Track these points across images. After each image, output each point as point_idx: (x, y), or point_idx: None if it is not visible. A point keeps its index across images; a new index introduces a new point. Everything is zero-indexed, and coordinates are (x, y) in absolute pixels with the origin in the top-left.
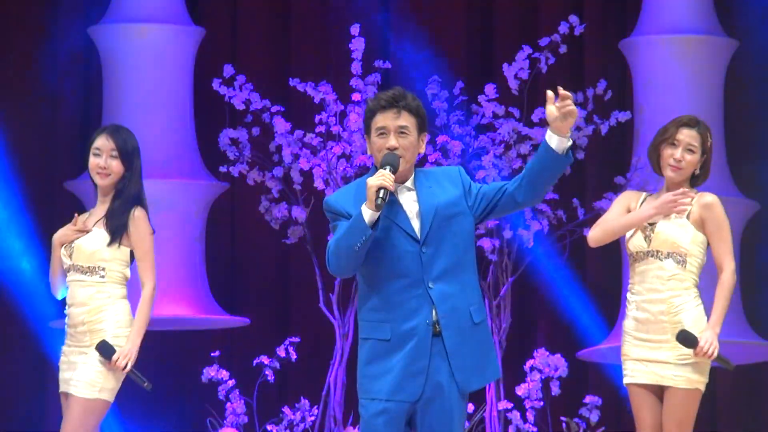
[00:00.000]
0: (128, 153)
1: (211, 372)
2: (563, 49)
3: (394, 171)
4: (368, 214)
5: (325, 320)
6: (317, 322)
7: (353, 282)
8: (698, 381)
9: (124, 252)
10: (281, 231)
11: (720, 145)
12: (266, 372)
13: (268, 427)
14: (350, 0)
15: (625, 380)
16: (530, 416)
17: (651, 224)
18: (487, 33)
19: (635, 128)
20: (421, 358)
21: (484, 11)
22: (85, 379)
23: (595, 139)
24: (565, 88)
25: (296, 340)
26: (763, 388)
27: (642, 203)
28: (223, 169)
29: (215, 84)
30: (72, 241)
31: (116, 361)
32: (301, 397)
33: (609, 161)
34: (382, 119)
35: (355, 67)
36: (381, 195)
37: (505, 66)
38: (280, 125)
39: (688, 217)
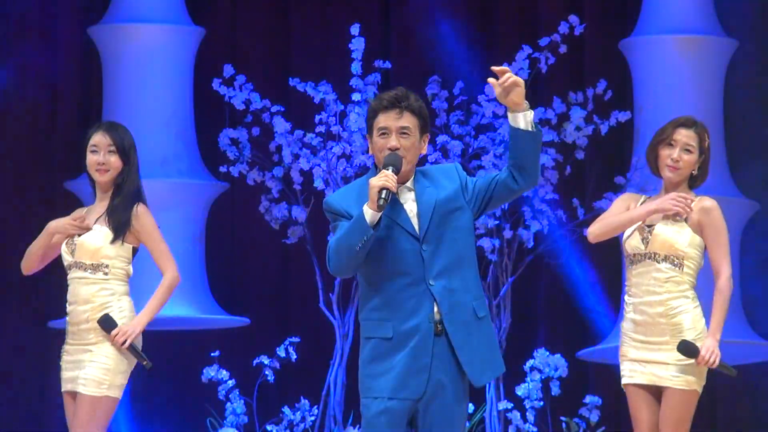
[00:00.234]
0: (125, 148)
1: (211, 372)
2: (563, 49)
3: (396, 172)
4: (370, 214)
5: (325, 320)
6: (317, 322)
7: (353, 282)
8: (696, 383)
9: (126, 249)
10: (281, 231)
11: (720, 145)
12: (266, 372)
13: (268, 427)
14: (350, 0)
15: (623, 381)
16: (530, 416)
17: (649, 226)
18: (488, 33)
19: (635, 128)
20: (423, 355)
21: (485, 11)
22: (93, 377)
23: (595, 139)
24: (565, 88)
25: (296, 340)
26: (763, 388)
27: (641, 204)
28: (223, 169)
29: (215, 84)
30: (70, 237)
31: (115, 335)
32: (301, 397)
33: (609, 161)
34: (384, 119)
35: (355, 67)
36: (383, 196)
37: (505, 66)
38: (280, 125)
39: (686, 220)
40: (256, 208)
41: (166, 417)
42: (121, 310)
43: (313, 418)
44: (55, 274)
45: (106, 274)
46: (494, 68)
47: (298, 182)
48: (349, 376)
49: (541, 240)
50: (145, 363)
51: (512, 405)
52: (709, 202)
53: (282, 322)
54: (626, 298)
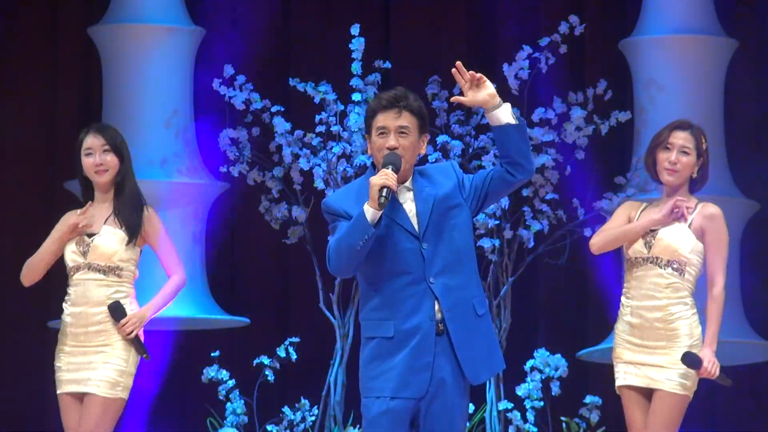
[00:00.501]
0: (118, 146)
1: (211, 372)
2: (563, 49)
3: (396, 171)
4: (371, 212)
5: (325, 320)
6: (317, 322)
7: (353, 282)
8: (689, 388)
9: (136, 252)
10: (281, 231)
11: (720, 145)
12: (266, 372)
13: (268, 427)
14: (350, 0)
15: (617, 383)
16: (530, 416)
17: (652, 231)
18: (487, 33)
19: (635, 128)
20: (425, 354)
21: (485, 11)
22: (108, 379)
23: (595, 139)
24: (565, 88)
25: (296, 340)
26: (763, 388)
27: (642, 212)
28: (223, 169)
29: (215, 84)
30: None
31: (124, 324)
32: (301, 397)
33: (609, 161)
34: (382, 119)
35: (355, 67)
36: (384, 194)
37: (505, 66)
38: (280, 125)
39: (689, 226)
40: (256, 208)
41: (166, 417)
42: (131, 311)
43: (313, 418)
44: (55, 274)
45: (119, 276)
46: (453, 69)
47: (298, 182)
48: (349, 376)
49: (541, 240)
50: (145, 356)
51: (512, 405)
52: (713, 209)
53: (282, 322)
54: (624, 300)
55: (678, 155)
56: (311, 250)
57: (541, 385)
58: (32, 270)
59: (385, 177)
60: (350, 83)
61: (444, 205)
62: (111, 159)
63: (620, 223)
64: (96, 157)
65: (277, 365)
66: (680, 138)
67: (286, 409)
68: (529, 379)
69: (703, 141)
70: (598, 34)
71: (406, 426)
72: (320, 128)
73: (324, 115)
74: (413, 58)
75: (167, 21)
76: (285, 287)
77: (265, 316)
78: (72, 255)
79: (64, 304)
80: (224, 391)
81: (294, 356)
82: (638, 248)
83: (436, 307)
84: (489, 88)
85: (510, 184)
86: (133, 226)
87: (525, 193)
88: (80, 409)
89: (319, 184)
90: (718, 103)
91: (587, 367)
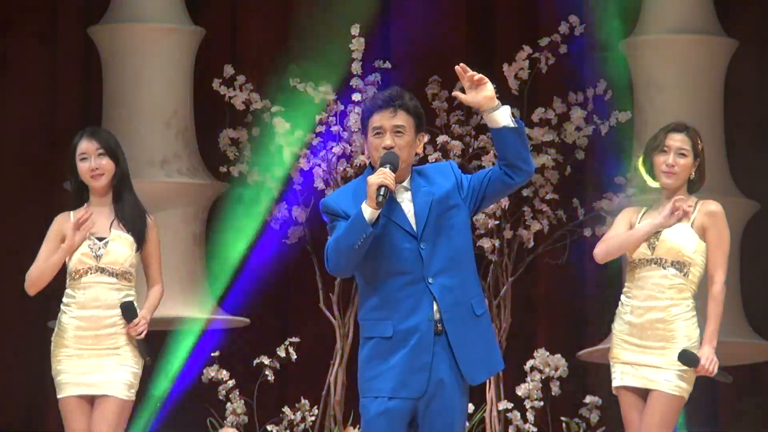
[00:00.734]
0: (113, 149)
1: (211, 372)
2: (563, 49)
3: (393, 170)
4: (368, 212)
5: (325, 320)
6: (317, 322)
7: (353, 282)
8: (685, 390)
9: (138, 257)
10: (281, 231)
11: (720, 145)
12: (266, 372)
13: (268, 427)
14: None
15: (615, 383)
16: (530, 416)
17: (655, 232)
18: (488, 33)
19: (635, 128)
20: (423, 354)
21: (485, 11)
22: (125, 381)
23: (595, 139)
24: (565, 88)
25: (296, 340)
26: (763, 388)
27: (642, 216)
28: (223, 169)
29: (215, 84)
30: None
31: (135, 325)
32: (301, 397)
33: (609, 161)
34: (378, 119)
35: (355, 67)
36: (382, 193)
37: (505, 66)
38: (280, 125)
39: (692, 225)
40: (256, 208)
41: (166, 417)
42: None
43: (313, 418)
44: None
45: (128, 280)
46: (457, 68)
47: (298, 182)
48: (349, 376)
49: (541, 240)
50: (147, 359)
51: (512, 405)
52: (714, 206)
53: (282, 322)
54: (624, 299)
55: (675, 158)
56: (311, 250)
57: (541, 385)
58: (41, 279)
59: (383, 176)
60: (350, 83)
61: (442, 206)
62: (106, 163)
63: (622, 229)
64: (91, 161)
65: (277, 365)
66: (677, 140)
67: (286, 409)
68: (529, 379)
69: (699, 142)
70: (598, 34)
71: (404, 426)
72: (320, 128)
73: (324, 115)
74: (413, 58)
75: (167, 21)
76: (285, 287)
77: (265, 316)
78: (82, 257)
79: (66, 307)
80: (224, 391)
81: (294, 356)
82: (641, 249)
83: (435, 307)
84: (488, 91)
85: (509, 185)
86: (139, 234)
87: (525, 193)
88: (88, 412)
89: (319, 184)
90: (718, 103)
91: (587, 367)
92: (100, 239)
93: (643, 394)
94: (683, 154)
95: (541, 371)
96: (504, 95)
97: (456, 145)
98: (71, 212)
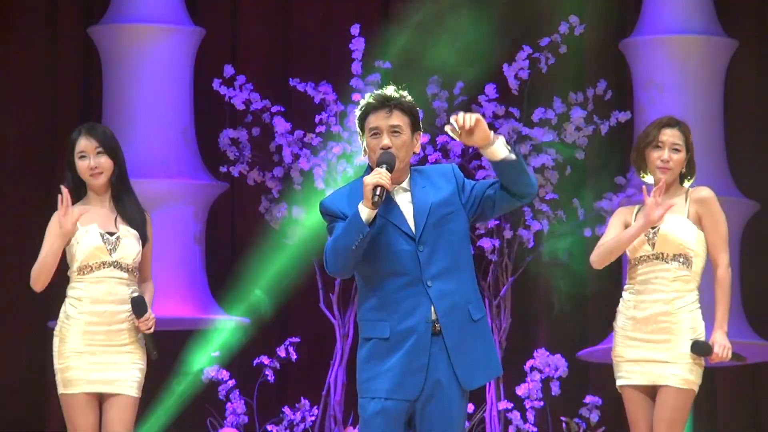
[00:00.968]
0: (112, 146)
1: (211, 372)
2: (563, 49)
3: (390, 169)
4: (365, 212)
5: (325, 320)
6: (317, 322)
7: (353, 282)
8: (694, 382)
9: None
10: (281, 231)
11: (720, 145)
12: (266, 372)
13: (268, 427)
14: (350, 0)
15: (620, 382)
16: (530, 416)
17: (653, 227)
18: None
19: (635, 128)
20: (420, 356)
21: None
22: (137, 379)
23: (595, 139)
24: (565, 88)
25: (296, 340)
26: (763, 388)
27: (637, 214)
28: (223, 169)
29: (215, 84)
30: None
31: (145, 320)
32: (301, 397)
33: (609, 161)
34: (374, 119)
35: (355, 67)
36: (378, 193)
37: (505, 66)
38: (280, 125)
39: (687, 216)
40: (256, 208)
41: (166, 417)
42: None
43: (313, 418)
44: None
45: (135, 276)
46: (447, 127)
47: (298, 182)
48: (349, 376)
49: (541, 240)
50: (154, 354)
51: (512, 405)
52: (705, 192)
53: (282, 322)
54: (626, 295)
55: (670, 153)
56: (311, 250)
57: (541, 385)
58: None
59: (379, 176)
60: (350, 83)
61: (441, 210)
62: (105, 161)
63: (616, 231)
64: (90, 160)
65: (277, 365)
66: (670, 135)
67: (286, 409)
68: (529, 379)
69: (689, 135)
70: (598, 34)
71: (401, 427)
72: (320, 128)
73: (324, 115)
74: (413, 58)
75: (167, 21)
76: (285, 287)
77: (265, 316)
78: (95, 251)
79: (76, 302)
80: (224, 391)
81: (294, 356)
82: (642, 247)
83: (432, 309)
84: (483, 130)
85: (513, 203)
86: (142, 231)
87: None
88: (96, 409)
89: (319, 184)
90: (718, 103)
91: (587, 367)
92: (111, 234)
93: (650, 391)
94: (677, 149)
95: (541, 371)
96: (504, 95)
97: (456, 145)
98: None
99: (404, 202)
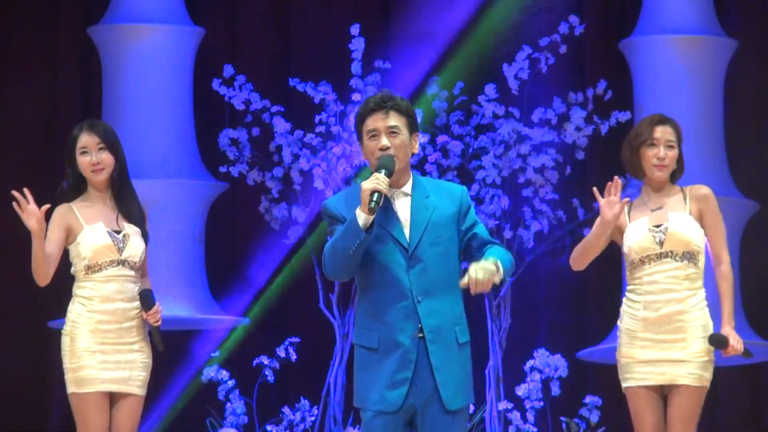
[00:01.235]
0: (113, 142)
1: (211, 372)
2: (563, 49)
3: (389, 174)
4: (362, 217)
5: (325, 320)
6: (317, 322)
7: (353, 282)
8: (707, 379)
9: None
10: (281, 231)
11: (720, 145)
12: (266, 372)
13: (268, 428)
14: (350, 0)
15: (630, 383)
16: (530, 416)
17: (657, 226)
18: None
19: None
20: (404, 369)
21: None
22: (143, 378)
23: (595, 139)
24: (565, 88)
25: (296, 340)
26: (763, 388)
27: (629, 211)
28: (223, 169)
29: (215, 84)
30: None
31: (153, 313)
32: (301, 397)
33: (609, 161)
34: (372, 122)
35: (355, 67)
36: (375, 198)
37: (505, 66)
38: (280, 125)
39: (690, 213)
40: (256, 208)
41: (166, 417)
42: None
43: (313, 418)
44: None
45: (139, 273)
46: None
47: (298, 182)
48: (349, 376)
49: (541, 240)
50: (161, 347)
51: (512, 405)
52: (705, 189)
53: (282, 322)
54: (633, 296)
55: (665, 150)
56: (311, 250)
57: (541, 385)
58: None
59: (376, 181)
60: (350, 83)
61: (438, 231)
62: (106, 157)
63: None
64: (92, 156)
65: (277, 365)
66: (664, 132)
67: (285, 409)
68: (528, 379)
69: (680, 132)
70: (598, 34)
71: (400, 427)
72: (320, 128)
73: (324, 115)
74: (413, 58)
75: (167, 21)
76: (285, 287)
77: (265, 316)
78: (104, 250)
79: (86, 301)
80: (224, 391)
81: (294, 356)
82: (647, 245)
83: (420, 326)
84: (494, 282)
85: None
86: (143, 228)
87: (525, 193)
88: (107, 407)
89: (319, 184)
90: (718, 103)
91: (587, 367)
92: (117, 232)
93: (657, 390)
94: (671, 146)
95: (541, 371)
96: (504, 95)
97: (456, 145)
98: (71, 204)
99: (403, 208)
